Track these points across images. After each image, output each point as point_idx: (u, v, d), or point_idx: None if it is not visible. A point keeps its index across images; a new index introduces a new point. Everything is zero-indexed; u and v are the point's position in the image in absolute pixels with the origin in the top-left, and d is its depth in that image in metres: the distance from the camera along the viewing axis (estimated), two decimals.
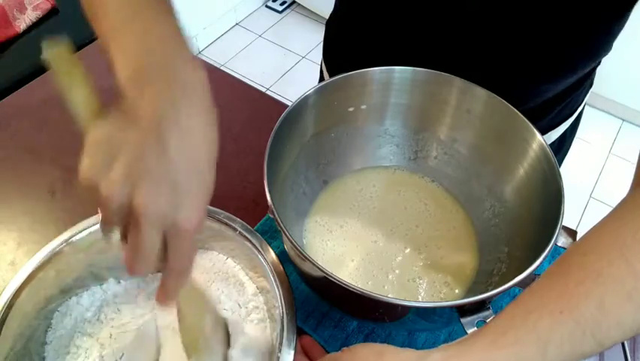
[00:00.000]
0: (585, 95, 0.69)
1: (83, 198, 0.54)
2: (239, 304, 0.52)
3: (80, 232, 0.50)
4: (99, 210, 0.34)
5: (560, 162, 0.76)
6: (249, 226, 0.51)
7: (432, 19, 0.55)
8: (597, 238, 0.37)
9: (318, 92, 0.54)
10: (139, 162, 0.32)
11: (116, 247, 0.51)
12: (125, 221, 0.33)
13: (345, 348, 0.39)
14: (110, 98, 0.36)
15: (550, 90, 0.61)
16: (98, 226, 0.50)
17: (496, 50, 0.55)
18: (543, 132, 0.66)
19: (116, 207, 0.32)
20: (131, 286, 0.54)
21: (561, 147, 0.73)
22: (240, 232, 0.51)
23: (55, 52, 0.34)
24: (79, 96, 0.34)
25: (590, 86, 0.69)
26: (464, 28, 0.54)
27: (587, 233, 0.38)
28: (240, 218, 0.52)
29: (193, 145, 0.34)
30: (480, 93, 0.54)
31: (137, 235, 0.33)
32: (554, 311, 0.34)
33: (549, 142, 0.69)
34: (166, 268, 0.35)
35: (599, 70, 0.66)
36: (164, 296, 0.38)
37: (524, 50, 0.54)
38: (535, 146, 0.51)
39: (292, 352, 0.43)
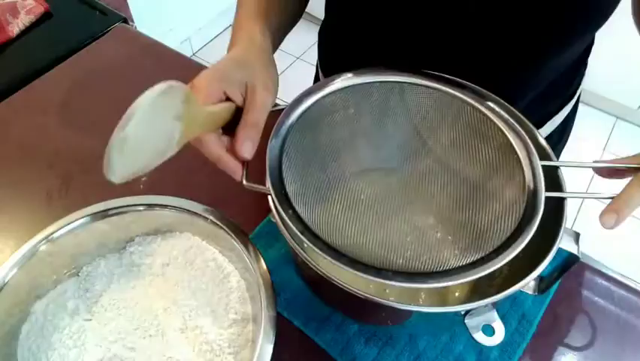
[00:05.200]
0: (581, 78, 0.70)
1: (79, 202, 0.54)
2: (219, 294, 0.52)
3: (61, 228, 0.52)
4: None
5: (560, 151, 0.77)
6: (221, 213, 0.51)
7: (429, 18, 0.56)
8: None
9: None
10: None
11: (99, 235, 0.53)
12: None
13: None
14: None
15: (552, 69, 0.61)
16: (79, 223, 0.53)
17: (495, 47, 0.56)
18: (544, 122, 0.67)
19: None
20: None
21: (564, 131, 0.74)
22: (211, 220, 0.51)
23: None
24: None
25: (585, 67, 0.70)
26: (462, 27, 0.55)
27: None
28: (241, 219, 0.52)
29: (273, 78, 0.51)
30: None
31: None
32: None
33: (551, 130, 0.70)
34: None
35: (592, 68, 0.66)
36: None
37: (520, 29, 0.54)
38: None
39: (271, 346, 0.43)
